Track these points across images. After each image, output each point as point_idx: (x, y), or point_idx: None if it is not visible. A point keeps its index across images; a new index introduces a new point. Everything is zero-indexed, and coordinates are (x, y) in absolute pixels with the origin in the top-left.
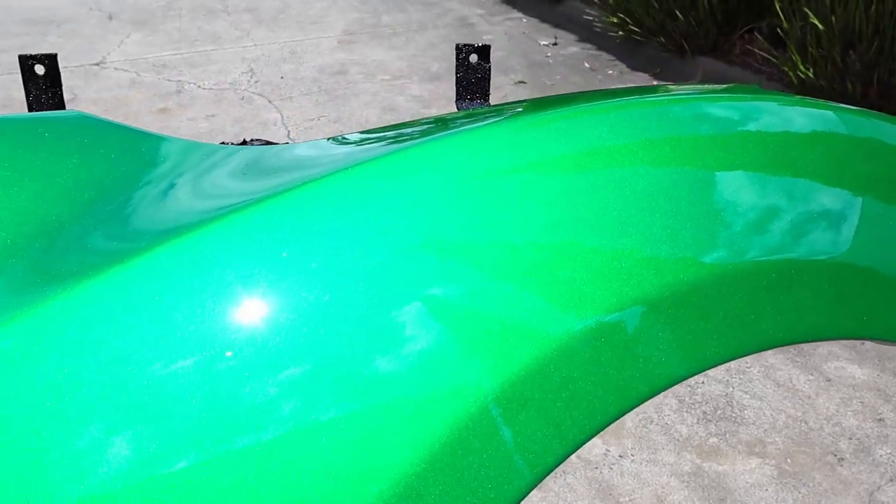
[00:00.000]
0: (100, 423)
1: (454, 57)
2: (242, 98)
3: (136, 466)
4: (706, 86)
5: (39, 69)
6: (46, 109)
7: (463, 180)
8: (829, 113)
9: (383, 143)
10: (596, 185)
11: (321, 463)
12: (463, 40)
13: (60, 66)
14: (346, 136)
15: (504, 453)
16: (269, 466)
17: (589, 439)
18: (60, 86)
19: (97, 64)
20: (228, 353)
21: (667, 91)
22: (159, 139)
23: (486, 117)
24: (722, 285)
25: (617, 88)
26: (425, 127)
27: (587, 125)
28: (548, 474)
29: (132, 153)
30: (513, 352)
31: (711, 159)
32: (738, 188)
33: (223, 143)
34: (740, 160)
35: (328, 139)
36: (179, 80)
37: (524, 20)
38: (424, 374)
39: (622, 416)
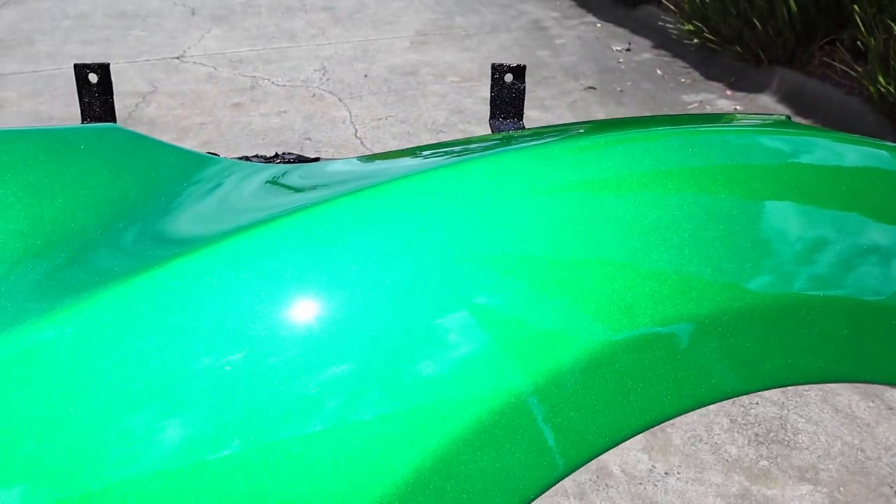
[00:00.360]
0: (113, 421)
1: (525, 59)
2: (314, 95)
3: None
4: (736, 115)
5: (93, 77)
6: (98, 116)
7: (501, 197)
8: (870, 150)
9: (416, 160)
10: (611, 213)
11: (357, 451)
12: (535, 44)
13: (143, 59)
14: (378, 155)
15: (525, 456)
16: (317, 455)
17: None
18: (112, 94)
19: (178, 58)
20: (273, 352)
21: (701, 120)
22: (191, 155)
23: (541, 137)
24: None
25: (655, 116)
26: (476, 145)
27: (629, 150)
28: (574, 471)
29: (163, 167)
30: (539, 362)
31: (731, 191)
32: (760, 220)
33: (256, 155)
34: (771, 192)
35: (358, 158)
36: (254, 76)
37: (598, 24)
38: (456, 377)
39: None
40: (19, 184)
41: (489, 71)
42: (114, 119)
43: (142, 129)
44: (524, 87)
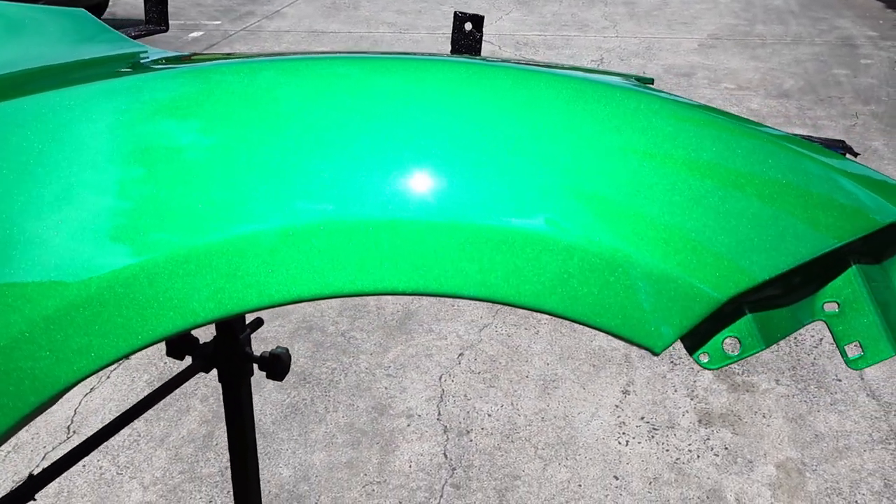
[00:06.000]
0: None
1: (816, 76)
2: None
3: None
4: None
5: None
6: (154, 20)
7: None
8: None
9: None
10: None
11: None
12: (836, 61)
13: (442, 31)
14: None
15: None
16: None
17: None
18: (167, 4)
19: None
20: None
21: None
22: (132, 45)
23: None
24: None
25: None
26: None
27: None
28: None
29: (111, 46)
30: None
31: None
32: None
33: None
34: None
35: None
36: (531, 59)
37: None
38: None
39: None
40: None
41: (770, 83)
42: (166, 23)
43: None
44: (481, 36)
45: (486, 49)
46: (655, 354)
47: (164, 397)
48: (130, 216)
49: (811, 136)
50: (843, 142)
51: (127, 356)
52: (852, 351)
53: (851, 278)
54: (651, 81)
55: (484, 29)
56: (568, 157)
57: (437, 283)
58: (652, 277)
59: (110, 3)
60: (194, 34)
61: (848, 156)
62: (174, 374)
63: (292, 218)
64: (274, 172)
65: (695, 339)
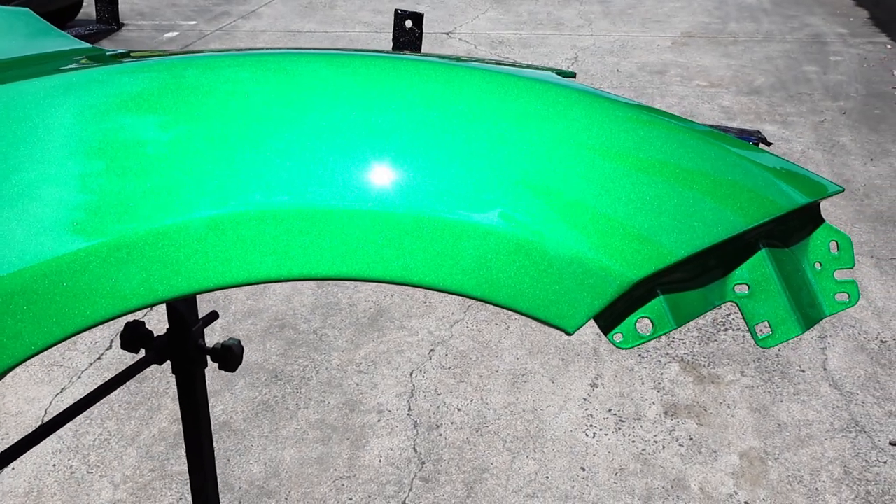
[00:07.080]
0: None
1: (786, 73)
2: None
3: None
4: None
5: None
6: (105, 20)
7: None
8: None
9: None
10: None
11: None
12: (806, 58)
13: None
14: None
15: None
16: None
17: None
18: (117, 4)
19: (447, 34)
20: None
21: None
22: (78, 43)
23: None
24: None
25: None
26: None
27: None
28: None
29: (53, 43)
30: None
31: None
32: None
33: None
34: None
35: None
36: (507, 58)
37: (889, 46)
38: None
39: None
40: None
41: (741, 80)
42: (117, 23)
43: None
44: (421, 33)
45: (462, 48)
46: (569, 334)
47: (115, 388)
48: (63, 207)
49: (727, 127)
50: (759, 132)
51: (61, 341)
52: (762, 330)
53: (761, 261)
54: (573, 75)
55: (460, 28)
56: (484, 145)
57: (359, 268)
58: (565, 259)
59: (84, 3)
60: (169, 34)
61: (761, 145)
62: (128, 366)
63: (219, 207)
64: (202, 163)
65: (609, 320)
